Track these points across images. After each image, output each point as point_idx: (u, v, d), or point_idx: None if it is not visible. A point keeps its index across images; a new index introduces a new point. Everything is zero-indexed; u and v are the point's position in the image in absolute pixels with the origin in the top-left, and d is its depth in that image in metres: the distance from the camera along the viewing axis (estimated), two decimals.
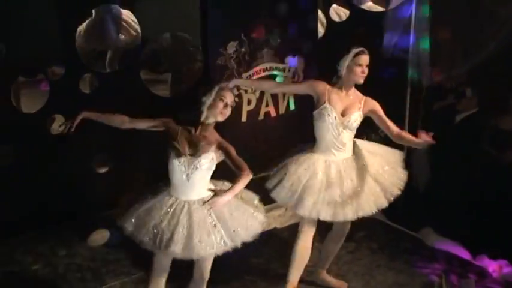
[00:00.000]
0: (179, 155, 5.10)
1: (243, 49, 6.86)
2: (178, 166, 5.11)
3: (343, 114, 5.60)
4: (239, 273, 6.49)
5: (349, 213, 5.67)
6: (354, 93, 5.65)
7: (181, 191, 5.17)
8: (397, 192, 5.75)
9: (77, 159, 7.10)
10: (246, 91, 6.96)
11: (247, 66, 6.90)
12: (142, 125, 5.33)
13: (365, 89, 5.83)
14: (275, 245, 7.07)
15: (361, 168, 5.79)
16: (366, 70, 5.52)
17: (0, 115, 6.68)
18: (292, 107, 7.27)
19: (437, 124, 7.49)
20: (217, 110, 5.07)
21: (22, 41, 6.69)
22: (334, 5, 7.69)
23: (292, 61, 7.20)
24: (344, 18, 7.82)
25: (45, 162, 7.03)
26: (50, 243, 6.89)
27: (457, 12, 7.25)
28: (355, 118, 5.61)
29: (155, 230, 5.10)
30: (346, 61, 5.55)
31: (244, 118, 6.87)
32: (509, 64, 7.05)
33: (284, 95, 7.30)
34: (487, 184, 7.22)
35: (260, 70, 7.02)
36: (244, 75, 6.85)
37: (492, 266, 6.52)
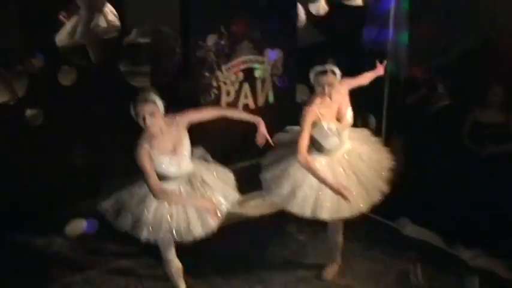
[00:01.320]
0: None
1: (222, 42, 6.98)
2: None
3: (339, 119, 5.71)
4: (217, 262, 6.55)
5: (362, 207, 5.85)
6: (335, 94, 5.73)
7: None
8: (384, 189, 5.96)
9: (54, 151, 7.08)
10: (224, 83, 7.02)
11: (226, 58, 7.03)
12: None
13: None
14: (253, 234, 7.09)
15: (356, 162, 5.89)
16: (329, 89, 5.55)
17: None
18: (271, 100, 7.33)
19: (413, 116, 7.62)
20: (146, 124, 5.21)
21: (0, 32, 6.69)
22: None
23: (271, 54, 7.26)
24: (323, 13, 7.83)
25: (22, 153, 6.98)
26: (29, 232, 6.90)
27: (436, 7, 7.33)
28: (350, 114, 5.75)
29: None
30: (311, 78, 5.67)
31: None
32: (488, 58, 7.16)
33: (263, 87, 7.34)
34: (462, 174, 7.24)
35: (239, 63, 7.13)
36: (224, 67, 6.95)
37: (466, 255, 6.56)
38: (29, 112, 7.05)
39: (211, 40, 6.88)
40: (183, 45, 6.89)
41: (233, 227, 6.95)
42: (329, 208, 5.81)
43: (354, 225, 6.93)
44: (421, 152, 7.63)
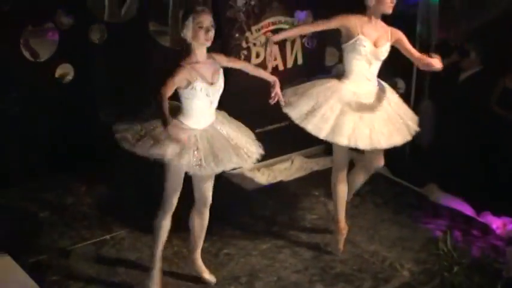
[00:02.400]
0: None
1: (252, 2, 6.93)
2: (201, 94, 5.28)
3: (375, 45, 5.70)
4: (245, 226, 6.60)
5: (383, 142, 5.79)
6: (381, 24, 5.76)
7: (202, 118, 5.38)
8: (416, 128, 5.93)
9: (83, 108, 7.12)
10: (254, 44, 7.04)
11: (256, 19, 7.02)
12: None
13: None
14: (281, 197, 7.16)
15: (387, 102, 5.90)
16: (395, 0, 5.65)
17: (10, 63, 6.72)
18: (300, 61, 7.32)
19: (443, 81, 7.56)
20: (200, 38, 5.13)
21: None
22: None
23: (300, 15, 7.24)
24: None
25: (53, 110, 7.06)
26: (58, 191, 6.96)
27: None
28: (386, 49, 5.75)
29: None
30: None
31: None
32: None
33: (292, 49, 7.32)
34: (491, 142, 7.31)
35: (269, 24, 7.15)
36: (254, 28, 6.96)
37: (496, 223, 6.58)
38: (59, 69, 7.08)
39: (241, 1, 6.82)
40: (214, 5, 6.76)
41: (260, 191, 7.25)
42: (346, 134, 5.78)
43: (381, 190, 7.21)
44: (451, 118, 7.62)
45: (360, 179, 6.36)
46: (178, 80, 5.18)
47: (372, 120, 5.83)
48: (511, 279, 5.77)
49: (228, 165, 5.39)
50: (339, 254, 6.30)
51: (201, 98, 5.30)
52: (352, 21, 5.80)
